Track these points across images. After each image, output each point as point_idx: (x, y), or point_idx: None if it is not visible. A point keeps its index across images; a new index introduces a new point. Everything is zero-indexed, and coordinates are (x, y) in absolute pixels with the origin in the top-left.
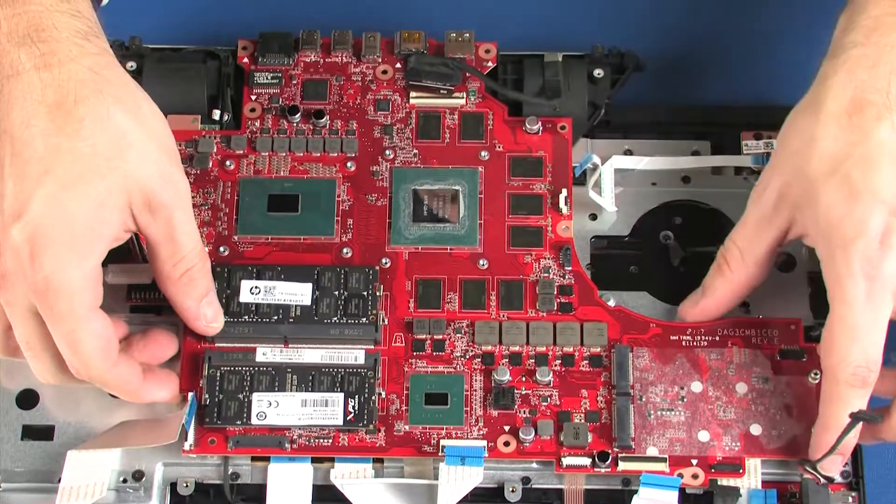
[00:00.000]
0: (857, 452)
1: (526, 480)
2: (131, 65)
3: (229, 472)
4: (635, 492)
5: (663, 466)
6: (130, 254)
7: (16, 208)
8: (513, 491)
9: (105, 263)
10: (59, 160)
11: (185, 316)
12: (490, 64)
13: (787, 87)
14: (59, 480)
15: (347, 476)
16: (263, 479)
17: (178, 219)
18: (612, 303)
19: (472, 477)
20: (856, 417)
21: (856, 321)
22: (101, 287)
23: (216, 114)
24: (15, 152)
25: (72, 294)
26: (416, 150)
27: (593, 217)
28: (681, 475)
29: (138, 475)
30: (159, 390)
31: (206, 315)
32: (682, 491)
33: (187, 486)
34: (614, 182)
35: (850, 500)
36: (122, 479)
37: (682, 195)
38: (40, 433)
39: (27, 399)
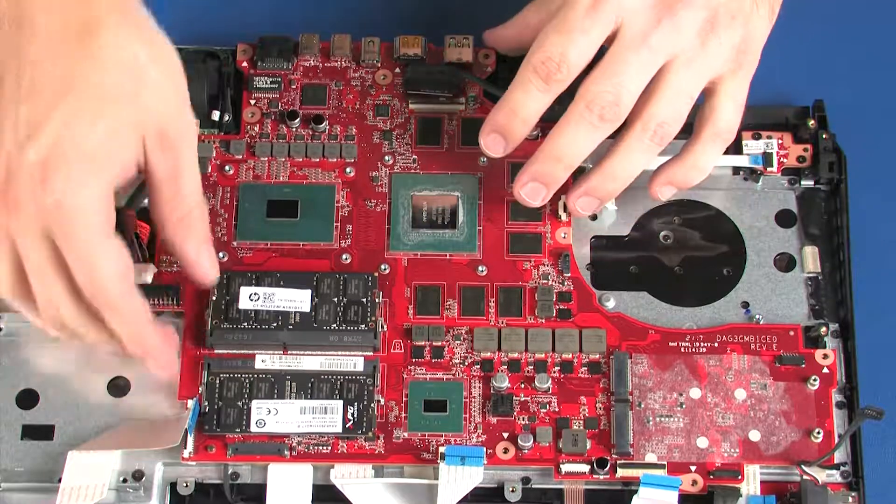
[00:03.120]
0: (856, 452)
1: (526, 480)
2: None
3: (229, 472)
4: (635, 492)
5: (662, 473)
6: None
7: (29, 131)
8: (513, 491)
9: None
10: (78, 85)
11: (184, 261)
12: (489, 69)
13: (788, 87)
14: (60, 480)
15: (347, 476)
16: (263, 479)
17: (186, 158)
18: (611, 303)
19: (472, 477)
20: (862, 413)
21: (570, 20)
22: (113, 214)
23: (216, 114)
24: (34, 76)
25: (85, 214)
26: (415, 156)
27: (593, 217)
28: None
29: (138, 475)
30: (165, 345)
31: (204, 264)
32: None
33: (187, 486)
34: None
35: (850, 500)
36: (122, 478)
37: (682, 195)
38: (40, 433)
39: (27, 399)
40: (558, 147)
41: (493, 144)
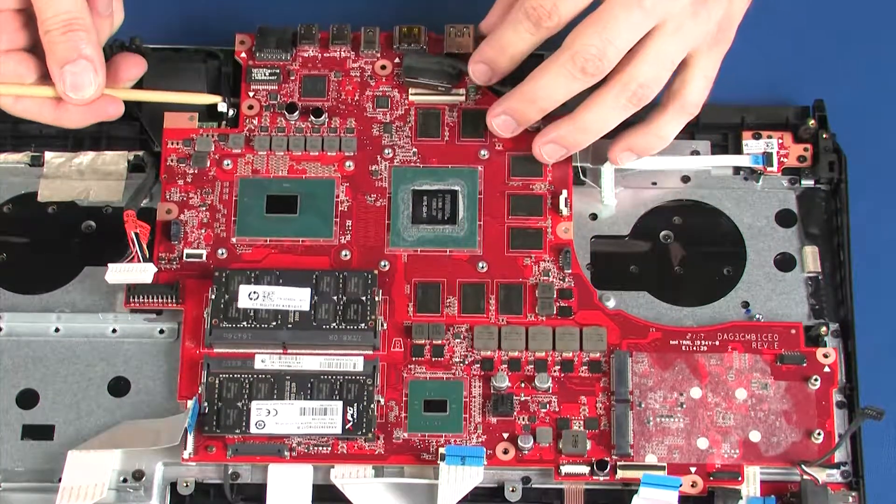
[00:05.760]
0: (856, 452)
1: (526, 480)
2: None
3: (229, 472)
4: (635, 491)
5: (662, 475)
6: (130, 253)
7: None
8: (513, 490)
9: (105, 263)
10: None
11: (52, 78)
12: None
13: (788, 87)
14: (60, 480)
15: (347, 476)
16: (263, 478)
17: None
18: (612, 303)
19: (472, 477)
20: (862, 413)
21: None
22: None
23: (222, 106)
24: None
25: None
26: (415, 149)
27: (593, 217)
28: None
29: (138, 475)
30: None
31: (66, 81)
32: None
33: (187, 485)
34: (614, 182)
35: (850, 500)
36: (122, 478)
37: (682, 195)
38: (40, 433)
39: (27, 399)
40: (536, 90)
41: (480, 73)
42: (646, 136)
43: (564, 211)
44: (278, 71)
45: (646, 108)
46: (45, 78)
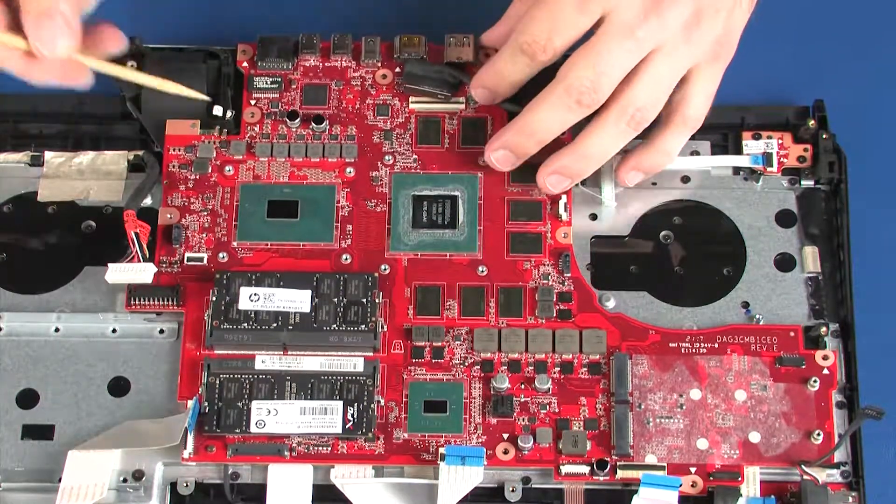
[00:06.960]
0: (856, 452)
1: (526, 480)
2: (131, 64)
3: (229, 472)
4: (635, 492)
5: (662, 475)
6: (130, 253)
7: None
8: (513, 490)
9: (105, 263)
10: None
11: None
12: None
13: (788, 87)
14: (60, 480)
15: (347, 476)
16: (263, 478)
17: None
18: (612, 303)
19: (472, 477)
20: (862, 413)
21: (558, 10)
22: None
23: (218, 109)
24: None
25: None
26: (415, 156)
27: (593, 217)
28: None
29: (138, 475)
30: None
31: (38, 34)
32: None
33: (187, 485)
34: (614, 183)
35: (850, 500)
36: (122, 478)
37: (682, 195)
38: (40, 433)
39: (27, 399)
40: (532, 123)
41: (482, 96)
42: (650, 155)
43: (564, 216)
44: (280, 80)
45: (648, 126)
46: (18, 29)
